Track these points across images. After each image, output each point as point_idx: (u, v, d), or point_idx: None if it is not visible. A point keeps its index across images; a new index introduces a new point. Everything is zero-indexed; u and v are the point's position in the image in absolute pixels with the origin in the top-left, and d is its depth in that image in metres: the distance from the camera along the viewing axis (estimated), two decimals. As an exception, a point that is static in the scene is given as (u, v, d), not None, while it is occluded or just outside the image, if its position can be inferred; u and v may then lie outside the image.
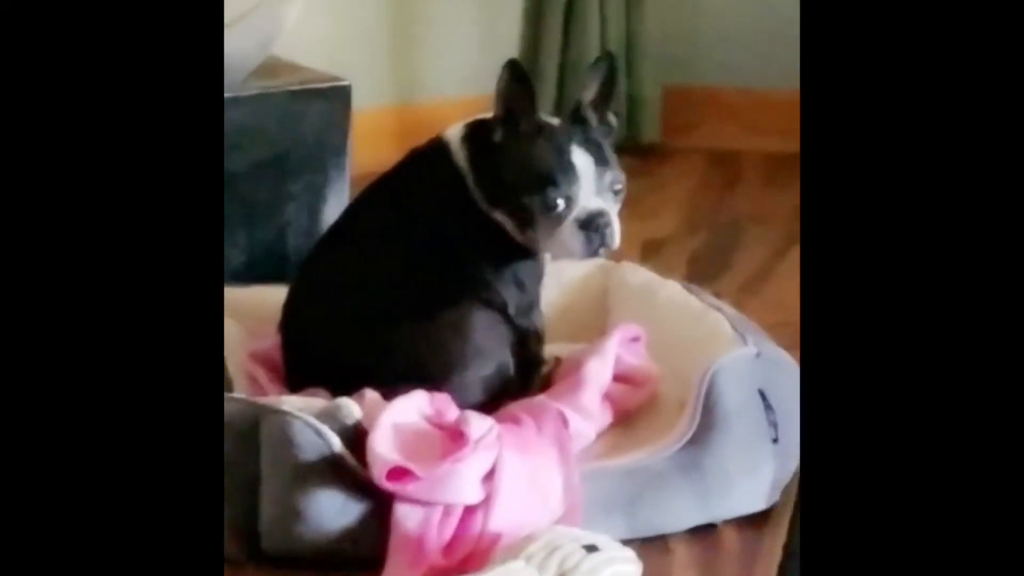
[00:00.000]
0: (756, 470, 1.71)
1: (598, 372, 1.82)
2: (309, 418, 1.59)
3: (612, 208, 1.80)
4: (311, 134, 2.34)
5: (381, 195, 1.89)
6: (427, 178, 1.86)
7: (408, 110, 3.32)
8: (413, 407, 1.67)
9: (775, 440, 1.73)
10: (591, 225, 1.77)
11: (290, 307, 1.89)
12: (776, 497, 1.73)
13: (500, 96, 1.79)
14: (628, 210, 1.84)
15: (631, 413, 1.85)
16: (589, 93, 1.84)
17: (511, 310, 1.84)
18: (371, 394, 1.70)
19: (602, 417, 1.82)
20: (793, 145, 1.84)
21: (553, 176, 1.77)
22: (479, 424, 1.62)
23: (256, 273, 2.25)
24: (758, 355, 1.80)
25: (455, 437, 1.62)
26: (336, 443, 1.58)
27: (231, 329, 1.89)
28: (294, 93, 2.33)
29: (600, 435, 1.81)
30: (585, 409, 1.78)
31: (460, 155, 1.84)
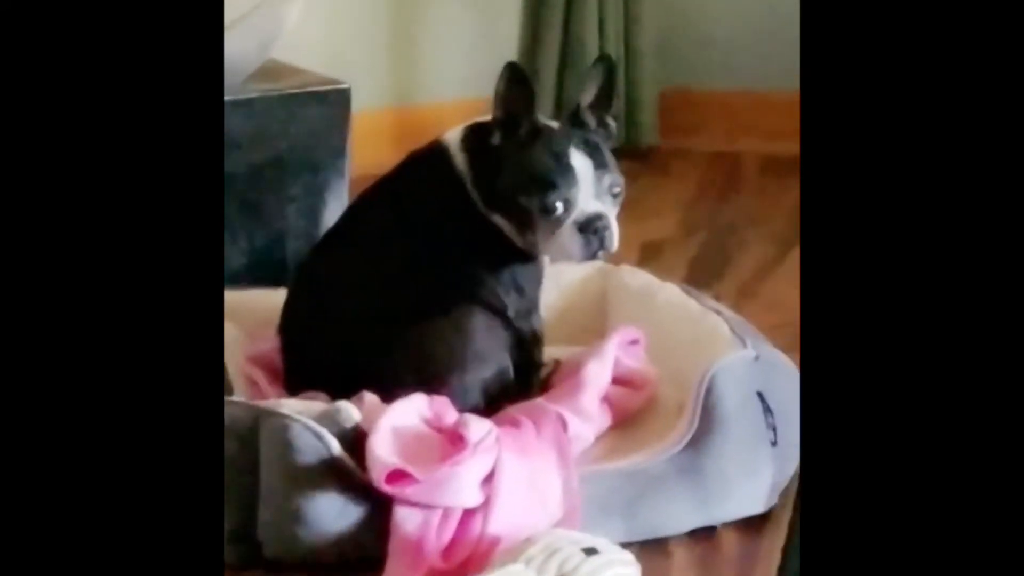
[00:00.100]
0: (755, 473, 1.71)
1: (597, 375, 1.83)
2: (308, 421, 1.59)
3: (611, 211, 1.80)
4: (310, 136, 2.34)
5: (380, 198, 1.89)
6: (426, 181, 1.86)
7: (407, 112, 3.33)
8: (412, 410, 1.67)
9: (774, 443, 1.73)
10: (590, 228, 1.77)
11: (289, 310, 1.89)
12: (775, 500, 1.73)
13: (499, 99, 1.79)
14: (627, 212, 1.84)
15: (630, 416, 1.86)
16: (588, 96, 1.84)
17: (510, 313, 1.84)
18: (370, 397, 1.70)
19: (601, 420, 1.82)
20: (792, 147, 1.84)
21: (552, 179, 1.77)
22: (478, 427, 1.62)
23: (255, 275, 2.25)
24: (757, 357, 1.80)
25: (454, 440, 1.62)
26: (335, 446, 1.58)
27: (230, 332, 1.89)
28: (293, 95, 2.33)
29: (599, 438, 1.81)
30: (584, 412, 1.78)
31: (459, 158, 1.84)
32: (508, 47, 3.42)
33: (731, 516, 1.70)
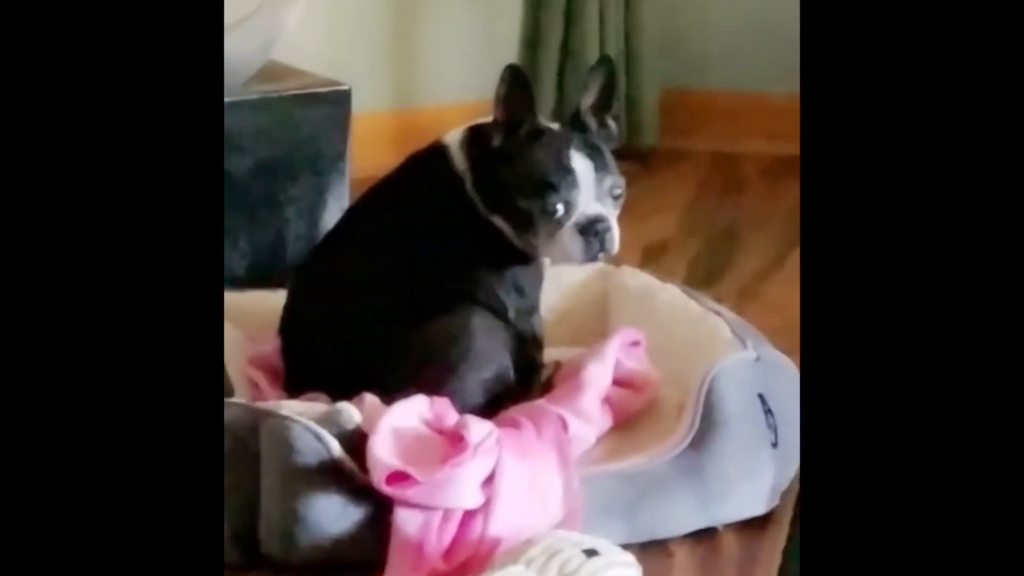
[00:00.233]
0: (756, 474, 1.71)
1: (598, 376, 1.82)
2: (309, 422, 1.59)
3: (611, 213, 1.80)
4: (311, 138, 2.34)
5: (380, 199, 1.89)
6: (426, 182, 1.86)
7: (408, 114, 3.32)
8: (413, 411, 1.66)
9: (775, 444, 1.73)
10: (590, 230, 1.77)
11: (290, 311, 1.89)
12: (776, 501, 1.73)
13: (500, 101, 1.79)
14: (627, 214, 1.84)
15: (631, 417, 1.85)
16: (588, 98, 1.84)
17: (511, 314, 1.84)
18: (371, 398, 1.70)
19: (602, 421, 1.82)
20: (793, 148, 1.84)
21: (553, 181, 1.77)
22: (479, 428, 1.62)
23: (256, 277, 2.25)
24: (758, 359, 1.80)
25: (455, 441, 1.61)
26: (336, 447, 1.58)
27: (231, 333, 1.89)
28: (294, 97, 2.33)
29: (600, 439, 1.81)
30: (585, 413, 1.78)
31: (459, 160, 1.84)
32: (508, 49, 3.42)
33: (732, 517, 1.70)
